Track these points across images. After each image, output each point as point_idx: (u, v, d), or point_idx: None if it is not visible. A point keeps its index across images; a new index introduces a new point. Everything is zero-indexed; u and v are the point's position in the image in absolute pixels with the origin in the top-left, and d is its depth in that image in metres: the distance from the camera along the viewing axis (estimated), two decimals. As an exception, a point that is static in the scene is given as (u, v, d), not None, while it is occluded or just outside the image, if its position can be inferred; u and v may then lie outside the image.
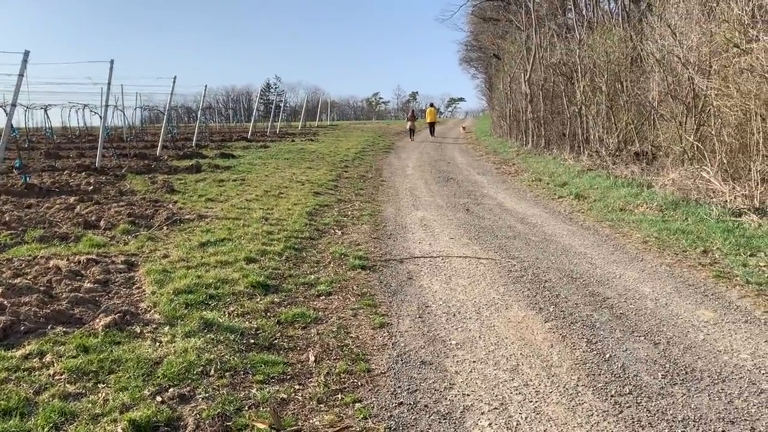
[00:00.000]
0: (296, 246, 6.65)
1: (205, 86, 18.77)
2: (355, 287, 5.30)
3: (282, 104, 45.61)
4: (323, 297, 5.01)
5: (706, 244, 7.17)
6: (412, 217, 9.03)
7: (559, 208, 10.26)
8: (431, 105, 35.11)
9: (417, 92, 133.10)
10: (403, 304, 4.92)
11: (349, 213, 9.16)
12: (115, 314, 4.10)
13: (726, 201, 9.34)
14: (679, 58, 11.65)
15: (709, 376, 3.66)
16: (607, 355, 3.95)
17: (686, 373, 3.71)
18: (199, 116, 20.02)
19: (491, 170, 16.30)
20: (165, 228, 7.11)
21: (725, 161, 10.15)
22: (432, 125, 32.45)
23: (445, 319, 4.56)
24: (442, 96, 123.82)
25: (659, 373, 3.69)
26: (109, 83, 11.85)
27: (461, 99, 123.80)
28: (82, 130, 26.57)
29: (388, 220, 8.72)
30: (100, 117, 12.74)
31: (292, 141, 24.29)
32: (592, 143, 16.64)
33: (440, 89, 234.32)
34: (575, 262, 6.38)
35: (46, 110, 20.23)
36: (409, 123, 30.59)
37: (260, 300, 4.80)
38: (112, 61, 11.83)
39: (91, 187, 9.67)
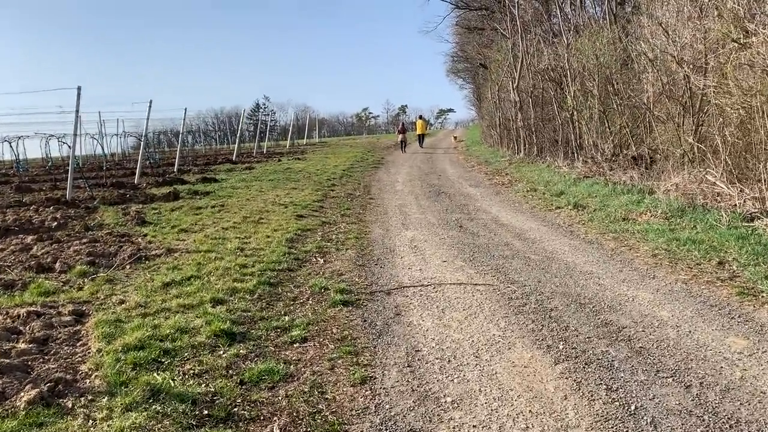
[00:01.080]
0: (271, 280, 5.98)
1: (185, 109, 18.21)
2: (334, 329, 4.64)
3: (272, 124, 45.04)
4: (297, 344, 4.34)
5: (721, 255, 6.56)
6: (402, 238, 8.39)
7: (558, 220, 9.65)
8: (420, 117, 36.08)
9: (406, 105, 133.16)
10: (389, 348, 4.26)
11: (334, 237, 8.51)
12: (45, 384, 3.44)
13: (735, 205, 8.76)
14: (673, 57, 11.12)
15: (758, 430, 3.02)
16: (633, 407, 3.30)
17: (730, 427, 3.06)
18: (180, 140, 19.35)
19: (483, 182, 15.71)
20: (128, 267, 6.44)
21: (730, 162, 9.58)
22: (421, 137, 33.21)
23: (439, 367, 3.90)
24: (431, 107, 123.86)
25: (698, 431, 3.04)
26: (77, 111, 11.21)
27: (450, 110, 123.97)
28: (62, 160, 25.87)
29: (375, 243, 8.08)
30: (69, 147, 12.08)
31: (279, 161, 23.67)
32: (586, 149, 16.10)
33: (429, 101, 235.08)
34: (582, 284, 5.74)
35: (10, 143, 19.54)
36: (400, 136, 31.06)
37: (223, 353, 4.13)
38: (79, 88, 11.21)
39: (56, 222, 8.99)
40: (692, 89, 11.01)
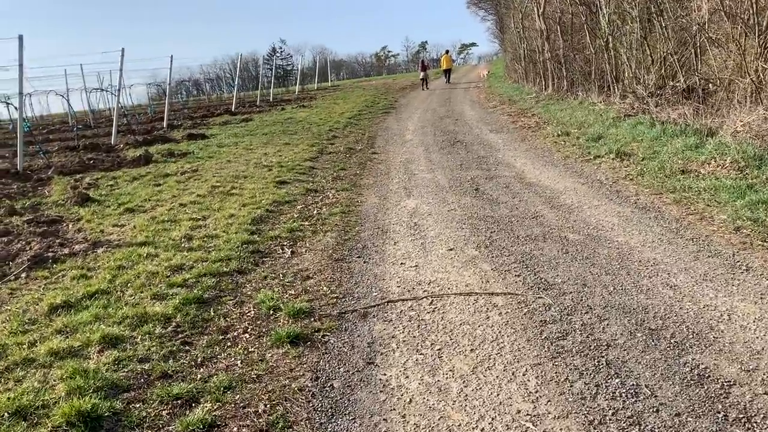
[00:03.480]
0: (206, 295, 4.28)
1: (171, 57, 16.28)
2: (264, 400, 2.93)
3: (289, 68, 42.92)
4: (196, 439, 2.67)
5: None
6: (400, 211, 6.59)
7: (599, 175, 7.73)
8: (446, 52, 36.58)
9: (426, 42, 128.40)
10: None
11: (315, 212, 6.75)
12: None
13: (836, 150, 6.75)
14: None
15: None
16: None
17: None
18: (167, 92, 17.50)
19: (507, 125, 13.66)
20: (24, 275, 4.81)
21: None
22: (447, 72, 33.08)
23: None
24: (453, 42, 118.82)
25: None
26: (20, 64, 9.46)
27: (473, 44, 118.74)
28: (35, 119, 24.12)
29: (365, 220, 6.30)
30: (16, 108, 10.42)
31: (283, 109, 21.73)
32: (625, 82, 13.85)
33: (450, 36, 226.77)
34: (647, 288, 3.93)
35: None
36: (422, 74, 30.40)
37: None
38: (20, 37, 9.41)
39: (-16, 204, 7.39)
40: (758, 2, 8.82)
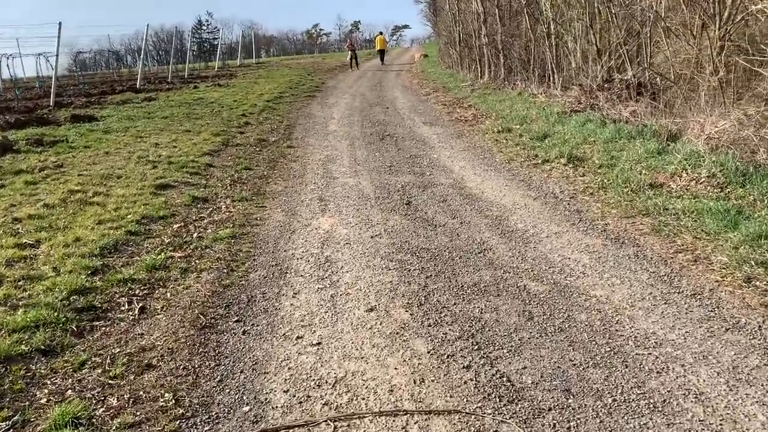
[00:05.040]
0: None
1: (59, 24, 13.80)
2: None
3: (216, 42, 39.85)
4: None
5: None
6: (310, 238, 5.04)
7: (552, 187, 6.45)
8: (380, 33, 35.53)
9: (359, 21, 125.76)
10: None
11: (196, 235, 5.10)
12: None
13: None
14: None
15: None
16: None
17: None
18: (56, 65, 14.98)
19: (442, 116, 12.29)
20: None
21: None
22: (381, 52, 32.38)
23: None
24: (385, 24, 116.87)
25: None
26: None
27: (406, 26, 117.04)
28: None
29: (260, 253, 4.71)
30: None
31: (195, 87, 19.50)
32: (571, 73, 12.76)
33: (383, 17, 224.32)
34: (659, 399, 2.58)
35: None
36: (349, 53, 29.33)
37: None
38: None
39: None
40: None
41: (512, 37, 16.66)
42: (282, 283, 4.05)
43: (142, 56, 20.03)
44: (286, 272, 4.25)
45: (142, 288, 3.97)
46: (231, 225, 5.33)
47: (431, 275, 4.09)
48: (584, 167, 7.17)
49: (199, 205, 6.02)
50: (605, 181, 6.42)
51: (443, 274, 4.11)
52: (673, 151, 7.09)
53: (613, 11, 10.95)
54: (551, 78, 13.95)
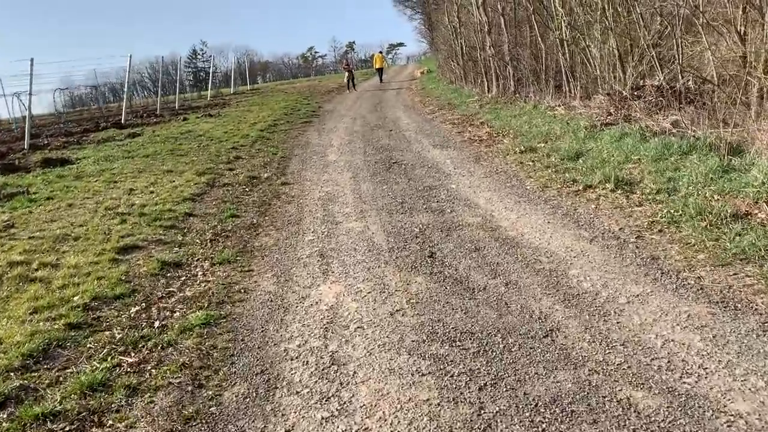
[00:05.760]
0: None
1: (31, 60, 12.73)
2: None
3: (211, 70, 38.90)
4: None
5: None
6: (309, 319, 3.78)
7: (607, 222, 5.18)
8: (380, 52, 35.42)
9: (354, 42, 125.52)
10: None
11: (158, 324, 3.83)
12: None
13: None
14: None
15: None
16: None
17: None
18: (29, 101, 13.83)
19: (452, 137, 11.07)
20: None
21: None
22: (380, 71, 32.10)
23: None
24: (380, 43, 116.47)
25: None
26: None
27: (401, 44, 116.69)
28: None
29: (242, 349, 3.45)
30: None
31: (185, 119, 18.35)
32: (592, 81, 11.56)
33: (378, 36, 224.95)
34: None
35: None
36: (346, 74, 28.43)
37: None
38: None
39: None
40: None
41: (520, 47, 15.51)
42: (269, 410, 2.77)
43: (126, 89, 18.94)
44: (276, 386, 2.98)
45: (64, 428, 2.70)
46: (206, 303, 4.08)
47: (486, 385, 2.81)
48: (638, 193, 5.91)
49: (169, 274, 4.76)
50: (672, 212, 5.15)
51: (503, 380, 2.83)
52: (742, 168, 5.85)
53: (639, 10, 9.78)
54: (568, 88, 12.78)
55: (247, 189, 8.00)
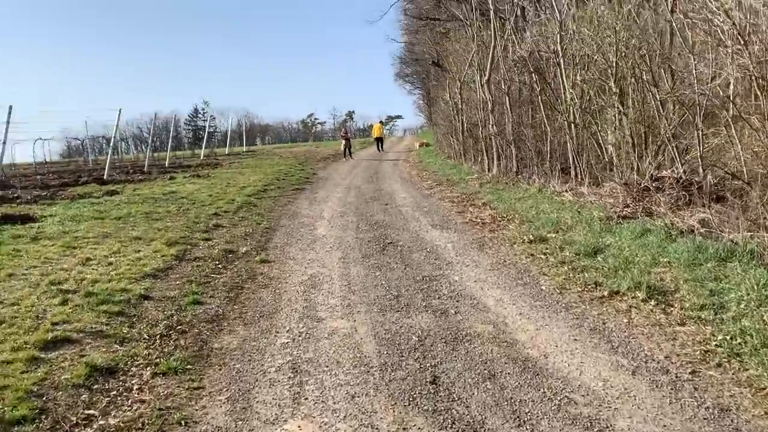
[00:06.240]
0: None
1: (10, 107, 11.97)
2: None
3: (211, 130, 38.73)
4: None
5: None
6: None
7: (651, 348, 4.22)
8: (380, 122, 37.43)
9: (353, 111, 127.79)
10: None
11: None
12: None
13: None
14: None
15: None
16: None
17: None
18: (1, 152, 12.93)
19: (452, 217, 10.21)
20: None
21: None
22: (380, 140, 32.37)
23: None
24: (379, 114, 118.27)
25: None
26: None
27: (399, 116, 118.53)
28: None
29: None
30: None
31: (172, 178, 17.52)
32: (603, 167, 10.87)
33: (377, 107, 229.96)
34: None
35: None
36: (343, 142, 27.99)
37: None
38: None
39: None
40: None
41: (524, 127, 14.98)
42: None
43: (112, 143, 18.18)
44: None
45: None
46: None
47: None
48: (677, 307, 4.99)
49: (96, 386, 3.70)
50: (728, 339, 4.20)
51: None
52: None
53: (659, 97, 9.18)
54: (575, 172, 12.11)
55: (220, 265, 7.01)
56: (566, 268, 6.46)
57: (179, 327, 4.83)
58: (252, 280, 6.39)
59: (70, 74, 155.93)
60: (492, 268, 6.75)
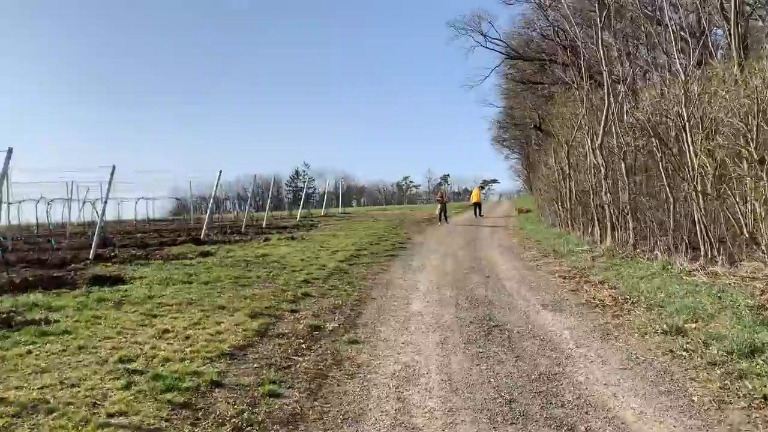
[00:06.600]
0: None
1: (113, 167, 12.20)
2: None
3: (310, 191, 39.94)
4: None
5: None
6: None
7: None
8: (480, 187, 39.21)
9: (448, 175, 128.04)
10: None
11: None
12: None
13: None
14: None
15: None
16: None
17: None
18: (102, 211, 13.23)
19: (565, 296, 8.99)
20: None
21: None
22: (478, 205, 31.66)
23: None
24: (474, 177, 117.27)
25: None
26: None
27: (495, 180, 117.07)
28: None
29: None
30: None
31: (266, 240, 17.41)
32: (760, 246, 9.33)
33: (472, 170, 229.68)
34: None
35: None
36: (438, 206, 27.21)
37: None
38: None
39: None
40: None
41: (643, 195, 13.57)
42: None
43: (211, 204, 18.54)
44: None
45: None
46: None
47: None
48: None
49: None
50: None
51: None
52: None
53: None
54: (705, 249, 10.60)
55: (304, 345, 6.26)
56: (719, 371, 5.17)
57: (248, 429, 4.04)
58: (338, 367, 5.57)
59: (172, 135, 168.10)
60: (623, 366, 5.55)
